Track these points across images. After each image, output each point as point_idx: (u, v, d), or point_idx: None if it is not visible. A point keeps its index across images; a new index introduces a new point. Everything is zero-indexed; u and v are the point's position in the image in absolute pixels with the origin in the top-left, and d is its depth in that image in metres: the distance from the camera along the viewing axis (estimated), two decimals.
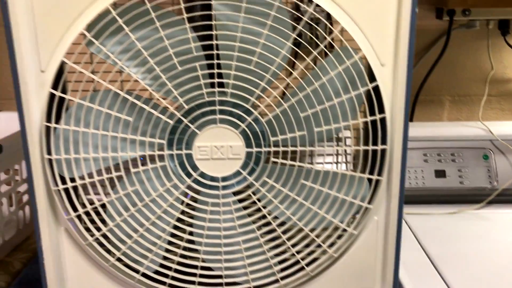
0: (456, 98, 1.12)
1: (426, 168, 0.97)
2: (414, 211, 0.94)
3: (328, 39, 0.54)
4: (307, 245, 0.60)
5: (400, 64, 0.56)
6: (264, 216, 0.59)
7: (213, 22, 0.53)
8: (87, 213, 0.58)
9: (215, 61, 0.54)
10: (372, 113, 0.57)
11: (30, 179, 0.56)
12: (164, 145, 0.57)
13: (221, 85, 0.56)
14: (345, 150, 0.68)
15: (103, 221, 0.58)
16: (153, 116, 0.56)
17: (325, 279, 0.62)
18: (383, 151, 0.58)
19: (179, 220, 0.59)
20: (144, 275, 0.59)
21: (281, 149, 0.57)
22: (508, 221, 0.92)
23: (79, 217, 0.58)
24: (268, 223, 0.59)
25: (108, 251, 0.59)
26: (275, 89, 0.57)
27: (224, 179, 0.58)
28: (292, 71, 0.56)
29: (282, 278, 0.60)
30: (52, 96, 0.55)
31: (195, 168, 0.58)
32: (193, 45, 0.53)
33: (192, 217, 0.59)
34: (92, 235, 0.58)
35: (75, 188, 0.58)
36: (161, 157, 0.57)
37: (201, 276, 0.59)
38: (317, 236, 0.59)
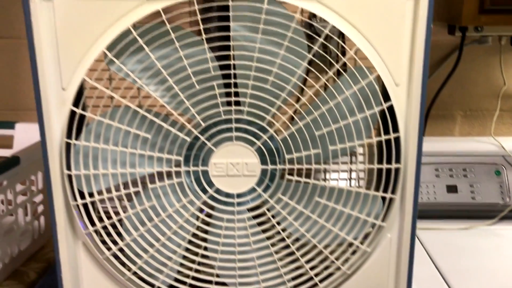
0: (468, 113, 1.12)
1: (437, 183, 0.97)
2: (425, 226, 0.94)
3: (344, 60, 0.55)
4: (320, 262, 0.60)
5: (415, 84, 0.56)
6: (278, 233, 0.60)
7: (231, 43, 0.54)
8: (105, 227, 0.59)
9: (232, 80, 0.55)
10: (386, 132, 0.57)
11: (50, 193, 0.58)
12: (181, 161, 0.58)
13: (237, 103, 0.57)
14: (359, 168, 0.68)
15: (119, 235, 0.59)
16: (171, 133, 0.57)
17: None
18: (397, 170, 0.58)
19: (194, 235, 0.60)
20: None
21: (295, 166, 0.58)
22: None
23: (96, 231, 0.59)
24: (282, 240, 0.60)
25: (124, 265, 0.60)
26: (290, 107, 0.57)
27: (239, 195, 0.59)
28: (307, 90, 0.57)
29: None
30: (72, 113, 0.56)
31: (210, 184, 0.59)
32: (211, 64, 0.55)
33: (207, 232, 0.60)
34: (109, 249, 0.59)
35: (92, 203, 0.59)
36: (178, 173, 0.58)
37: None
38: (331, 252, 0.60)
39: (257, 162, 0.58)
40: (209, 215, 0.60)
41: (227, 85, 0.56)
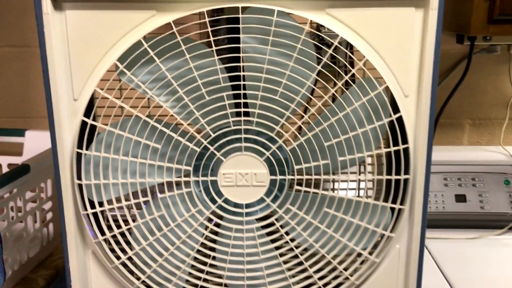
0: (477, 122, 1.12)
1: (446, 192, 0.97)
2: (434, 235, 0.94)
3: (353, 71, 0.55)
4: (330, 271, 0.60)
5: (424, 95, 0.56)
6: (287, 243, 0.60)
7: (241, 54, 0.54)
8: (114, 236, 0.59)
9: (242, 91, 0.56)
10: (395, 143, 0.57)
11: (60, 203, 0.58)
12: (190, 171, 0.58)
13: (246, 113, 0.57)
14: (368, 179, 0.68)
15: (128, 244, 0.59)
16: (180, 143, 0.57)
17: None
18: (406, 181, 0.58)
19: (203, 244, 0.60)
20: None
21: (304, 177, 0.58)
22: None
23: (105, 240, 0.60)
24: (291, 249, 0.60)
25: (133, 274, 0.60)
26: (299, 117, 0.58)
27: (248, 205, 0.59)
28: (316, 101, 0.57)
29: None
30: (83, 123, 0.56)
31: (219, 194, 0.59)
32: (221, 75, 0.55)
33: (215, 242, 0.60)
34: (119, 258, 0.59)
35: (102, 212, 0.59)
36: (187, 183, 0.59)
37: None
38: (340, 262, 0.60)
39: (266, 172, 0.58)
40: (217, 225, 0.60)
41: (237, 96, 0.56)
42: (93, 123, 0.56)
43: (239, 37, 0.54)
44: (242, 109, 0.56)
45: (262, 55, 0.54)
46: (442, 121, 1.10)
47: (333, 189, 0.60)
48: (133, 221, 0.59)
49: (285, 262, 0.60)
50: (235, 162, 0.58)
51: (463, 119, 1.12)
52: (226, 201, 0.59)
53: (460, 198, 0.96)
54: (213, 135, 0.57)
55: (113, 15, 0.54)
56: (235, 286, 0.60)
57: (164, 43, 0.54)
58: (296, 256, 0.60)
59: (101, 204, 0.58)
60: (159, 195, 0.58)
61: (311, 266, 0.60)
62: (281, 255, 0.60)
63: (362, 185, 0.70)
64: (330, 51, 0.55)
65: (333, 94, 0.57)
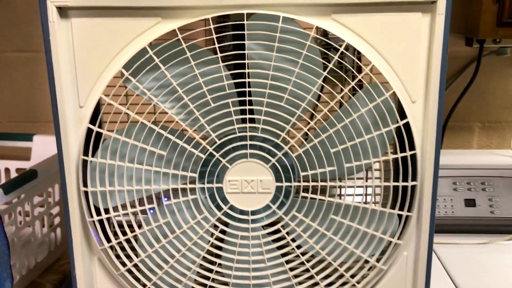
0: (487, 125, 1.10)
1: (455, 197, 0.95)
2: (443, 240, 0.93)
3: (359, 77, 0.54)
4: (337, 278, 0.60)
5: (431, 101, 0.56)
6: (293, 250, 0.59)
7: (246, 61, 0.54)
8: (120, 243, 0.59)
9: (247, 98, 0.55)
10: (402, 149, 0.57)
11: (67, 210, 0.58)
12: (196, 178, 0.58)
13: (252, 120, 0.57)
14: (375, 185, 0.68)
15: (133, 250, 0.59)
16: (186, 150, 0.57)
17: None
18: (413, 187, 0.57)
19: (209, 251, 0.60)
20: None
21: (310, 184, 0.57)
22: None
23: (111, 246, 0.60)
24: (297, 256, 0.59)
25: (139, 281, 0.60)
26: (305, 124, 0.57)
27: (254, 212, 0.59)
28: (322, 107, 0.57)
29: None
30: (89, 130, 0.56)
31: (225, 201, 0.59)
32: (226, 82, 0.55)
33: (221, 249, 0.60)
34: (124, 265, 0.59)
35: (108, 218, 0.59)
36: (193, 190, 0.59)
37: None
38: (347, 270, 0.59)
39: (272, 179, 0.58)
40: (223, 232, 0.60)
41: (242, 103, 0.56)
42: (99, 130, 0.56)
43: (244, 44, 0.54)
44: (248, 116, 0.56)
45: (268, 61, 0.54)
46: (451, 124, 1.08)
47: (340, 196, 0.60)
48: (139, 227, 0.59)
49: (292, 269, 0.60)
50: (240, 169, 0.58)
51: (473, 122, 1.11)
52: (232, 208, 0.59)
53: (470, 203, 0.95)
54: (218, 142, 0.57)
55: (118, 22, 0.54)
56: None
57: (169, 49, 0.54)
58: (302, 263, 0.59)
59: (107, 211, 0.58)
60: (164, 202, 0.58)
61: (317, 273, 0.59)
62: (288, 262, 0.60)
63: (369, 190, 0.69)
64: (336, 57, 0.54)
65: (340, 100, 0.56)
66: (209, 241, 0.59)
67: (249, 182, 0.58)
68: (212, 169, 0.58)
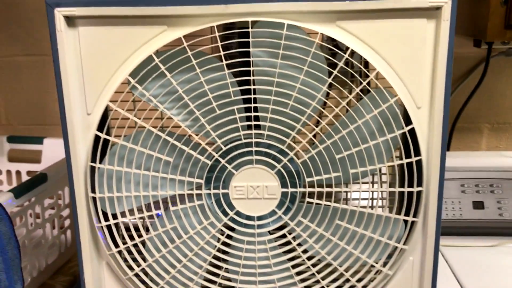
0: (495, 126, 1.10)
1: (463, 199, 0.95)
2: (451, 243, 0.92)
3: (364, 83, 0.54)
4: (343, 283, 0.60)
5: (437, 107, 0.56)
6: (299, 254, 0.60)
7: (251, 68, 0.54)
8: (128, 248, 0.60)
9: (253, 104, 0.56)
10: (408, 155, 0.57)
11: (75, 216, 0.59)
12: (202, 184, 0.59)
13: (257, 126, 0.57)
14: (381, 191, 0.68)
15: (140, 253, 0.60)
16: (192, 156, 0.57)
17: None
18: (419, 193, 0.57)
19: (215, 256, 0.60)
20: None
21: (316, 189, 0.58)
22: None
23: (119, 251, 0.60)
24: (304, 261, 0.60)
25: (147, 285, 0.61)
26: (310, 130, 0.57)
27: (260, 218, 0.59)
28: (327, 114, 0.57)
29: None
30: (97, 137, 0.57)
31: (231, 206, 0.59)
32: (232, 89, 0.55)
33: (227, 254, 0.60)
34: (132, 269, 0.60)
35: (116, 224, 0.60)
36: (199, 195, 0.59)
37: None
38: (353, 274, 0.59)
39: (277, 185, 0.58)
40: (229, 237, 0.60)
41: (248, 109, 0.56)
42: (107, 137, 0.57)
43: (250, 51, 0.54)
44: (253, 122, 0.56)
45: (273, 68, 0.54)
46: (460, 125, 1.08)
47: (346, 201, 0.60)
48: (147, 232, 0.60)
49: (298, 274, 0.60)
50: (246, 175, 0.58)
51: (482, 124, 1.10)
52: (238, 213, 0.59)
53: (478, 205, 0.95)
54: (224, 148, 0.58)
55: (124, 30, 0.54)
56: None
57: (175, 57, 0.54)
58: (308, 268, 0.60)
59: (114, 216, 0.59)
60: (171, 207, 0.59)
61: (323, 278, 0.60)
62: (294, 267, 0.60)
63: (375, 195, 0.69)
64: (341, 64, 0.54)
65: (345, 106, 0.56)
66: (216, 246, 0.60)
67: (254, 188, 0.58)
68: (218, 175, 0.59)
